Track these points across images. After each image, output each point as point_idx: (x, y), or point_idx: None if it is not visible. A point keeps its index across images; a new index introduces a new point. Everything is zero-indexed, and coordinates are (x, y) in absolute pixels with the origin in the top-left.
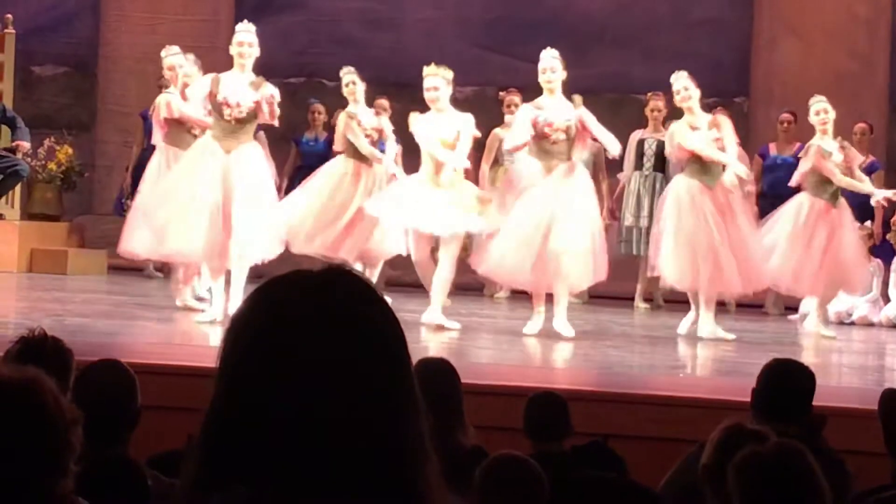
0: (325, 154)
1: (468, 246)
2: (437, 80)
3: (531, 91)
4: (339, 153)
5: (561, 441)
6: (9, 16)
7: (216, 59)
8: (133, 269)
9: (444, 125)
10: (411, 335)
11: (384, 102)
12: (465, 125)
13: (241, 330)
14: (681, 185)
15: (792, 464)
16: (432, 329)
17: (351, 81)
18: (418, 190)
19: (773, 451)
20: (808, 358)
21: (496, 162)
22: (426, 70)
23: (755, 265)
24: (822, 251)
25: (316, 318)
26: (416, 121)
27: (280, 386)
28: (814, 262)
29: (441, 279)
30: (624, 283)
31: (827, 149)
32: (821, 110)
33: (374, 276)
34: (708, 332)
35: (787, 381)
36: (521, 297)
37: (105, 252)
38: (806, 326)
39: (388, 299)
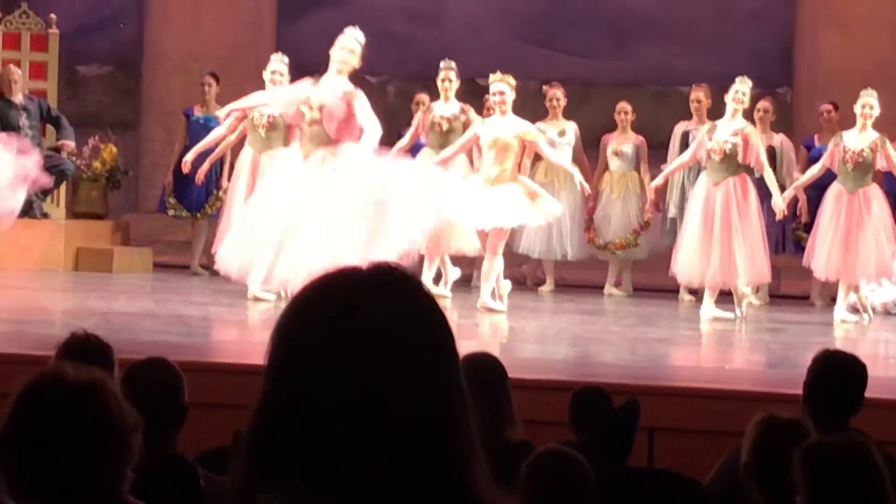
0: None
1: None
2: (503, 86)
3: (572, 84)
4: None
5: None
6: (52, 15)
7: (259, 57)
8: (178, 266)
9: (505, 128)
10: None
11: (425, 97)
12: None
13: (290, 328)
14: (698, 183)
15: (860, 457)
16: (482, 311)
17: (446, 78)
18: (474, 188)
19: (842, 445)
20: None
21: (538, 157)
22: (492, 77)
23: (754, 257)
24: (842, 238)
25: (364, 315)
26: (481, 123)
27: (328, 384)
28: (836, 248)
29: (492, 267)
30: (669, 276)
31: (846, 143)
32: (867, 104)
33: (433, 272)
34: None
35: (838, 374)
36: (564, 290)
37: (150, 250)
38: (834, 316)
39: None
